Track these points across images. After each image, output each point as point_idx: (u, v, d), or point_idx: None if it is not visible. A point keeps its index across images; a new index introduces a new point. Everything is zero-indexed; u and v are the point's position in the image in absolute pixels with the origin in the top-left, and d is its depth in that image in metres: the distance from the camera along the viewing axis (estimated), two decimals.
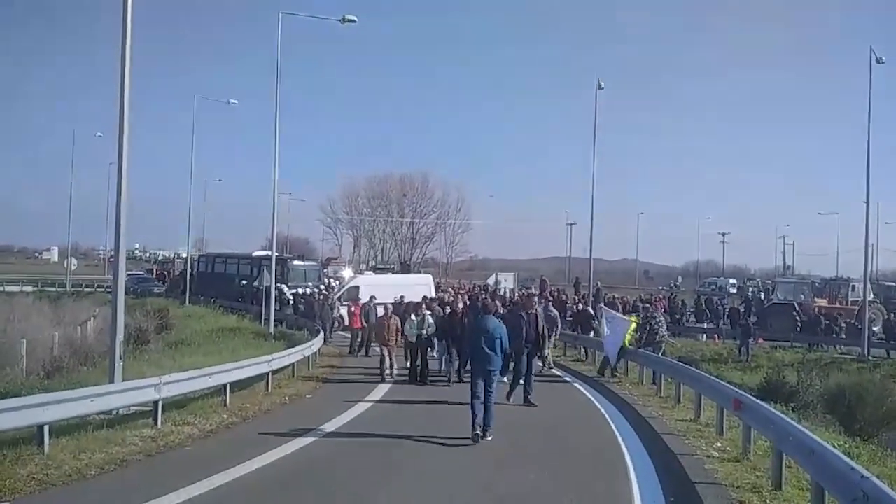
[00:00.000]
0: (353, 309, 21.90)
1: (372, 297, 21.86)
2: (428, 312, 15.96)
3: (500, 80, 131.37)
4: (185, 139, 41.49)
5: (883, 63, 27.44)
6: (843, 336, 30.71)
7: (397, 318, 16.19)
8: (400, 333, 15.90)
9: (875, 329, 31.08)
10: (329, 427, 10.28)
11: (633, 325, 16.59)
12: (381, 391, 13.99)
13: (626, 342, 16.34)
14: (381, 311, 22.88)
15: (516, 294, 31.10)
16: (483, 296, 25.75)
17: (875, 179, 29.52)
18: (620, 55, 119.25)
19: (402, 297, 19.71)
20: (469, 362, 10.23)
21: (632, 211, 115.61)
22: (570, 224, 77.43)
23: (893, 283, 46.84)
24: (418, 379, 15.18)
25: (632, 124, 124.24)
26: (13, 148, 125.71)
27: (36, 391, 11.01)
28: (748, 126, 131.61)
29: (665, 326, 18.22)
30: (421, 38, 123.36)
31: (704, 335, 33.47)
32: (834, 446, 7.96)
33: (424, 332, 15.41)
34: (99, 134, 44.68)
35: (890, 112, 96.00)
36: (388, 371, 15.48)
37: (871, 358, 26.59)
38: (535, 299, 14.87)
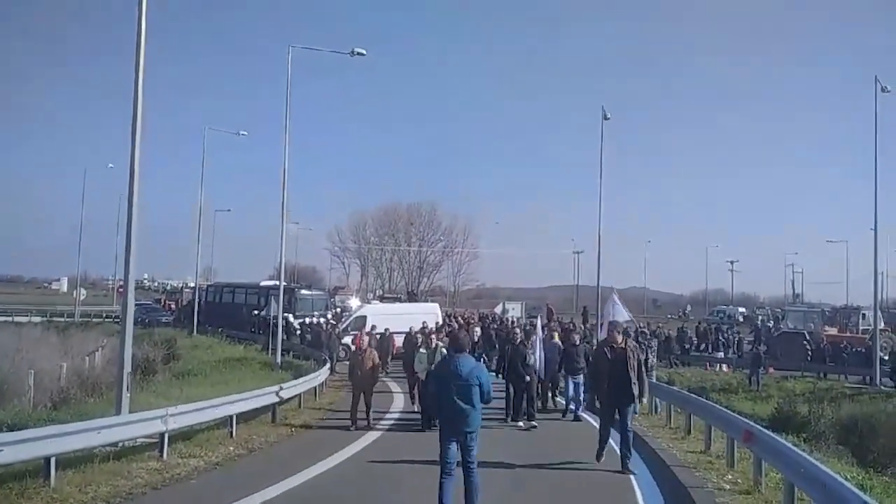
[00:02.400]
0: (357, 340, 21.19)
1: (373, 326, 21.75)
2: (442, 345, 13.66)
3: (508, 107, 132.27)
4: (196, 169, 41.88)
5: (888, 92, 27.53)
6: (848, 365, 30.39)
7: (375, 353, 14.03)
8: (378, 370, 13.96)
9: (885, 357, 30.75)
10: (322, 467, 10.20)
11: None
12: (367, 440, 12.04)
13: None
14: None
15: (522, 321, 30.98)
16: (476, 325, 24.35)
17: (883, 206, 29.35)
18: (628, 82, 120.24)
19: (424, 322, 19.49)
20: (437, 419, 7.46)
21: (640, 239, 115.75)
22: (578, 252, 77.37)
23: None
24: (430, 425, 12.32)
25: (640, 152, 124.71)
26: (24, 179, 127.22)
27: (43, 423, 11.01)
28: (757, 151, 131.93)
29: (654, 354, 18.37)
30: (427, 67, 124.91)
31: (718, 364, 33.13)
32: (846, 478, 7.87)
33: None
34: (110, 165, 45.24)
35: None
36: (362, 418, 13.10)
37: (883, 387, 26.23)
38: (618, 330, 10.50)
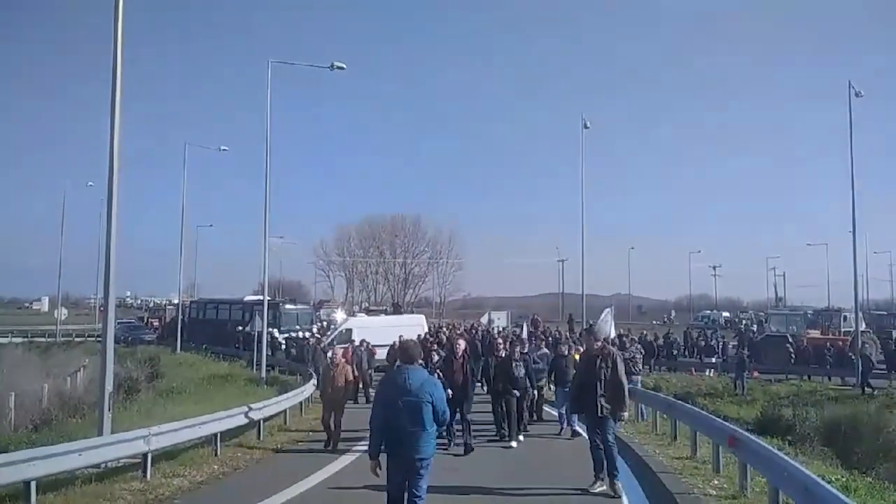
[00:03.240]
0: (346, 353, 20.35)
1: (363, 341, 21.54)
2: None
3: (492, 118, 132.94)
4: (177, 186, 41.68)
5: (862, 96, 28.00)
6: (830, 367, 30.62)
7: (349, 368, 13.10)
8: (351, 386, 13.07)
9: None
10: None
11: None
12: (346, 460, 11.20)
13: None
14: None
15: (508, 331, 30.77)
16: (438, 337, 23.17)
17: (862, 209, 29.77)
18: (612, 94, 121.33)
19: (400, 336, 19.30)
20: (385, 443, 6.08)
21: (624, 246, 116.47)
22: (562, 260, 77.78)
23: (885, 313, 47.05)
24: None
25: (623, 160, 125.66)
26: (2, 198, 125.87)
27: (23, 446, 10.87)
28: (737, 158, 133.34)
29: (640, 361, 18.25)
30: (412, 80, 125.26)
31: (709, 370, 33.11)
32: (830, 481, 7.93)
33: None
34: (90, 183, 44.89)
35: (875, 141, 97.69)
36: (333, 440, 12.26)
37: (873, 389, 26.39)
38: (596, 337, 9.87)
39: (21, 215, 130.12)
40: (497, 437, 12.83)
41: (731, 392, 27.27)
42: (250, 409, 13.34)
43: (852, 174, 28.60)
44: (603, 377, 8.79)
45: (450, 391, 11.25)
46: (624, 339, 25.29)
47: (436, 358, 13.67)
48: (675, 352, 35.98)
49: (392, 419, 5.91)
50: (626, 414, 9.40)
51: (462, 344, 12.99)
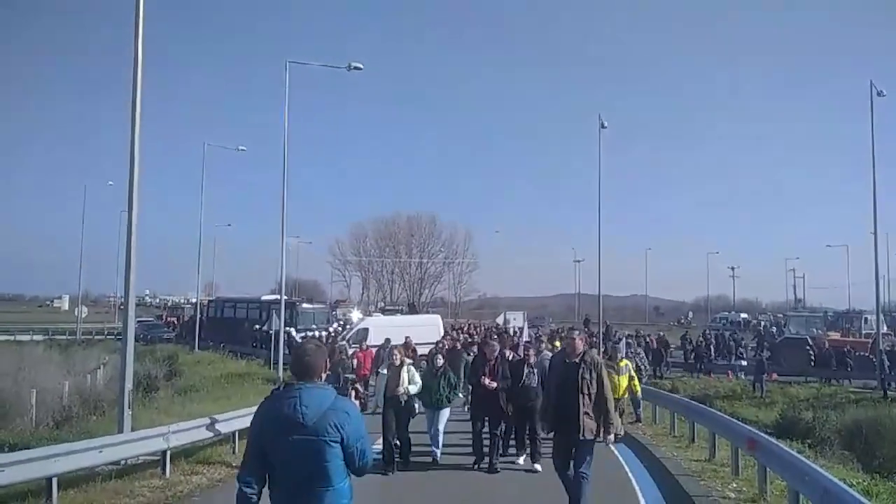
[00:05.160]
0: (359, 355, 19.46)
1: (387, 340, 21.53)
2: (409, 362, 11.20)
3: (508, 115, 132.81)
4: (196, 185, 42.00)
5: (884, 96, 27.67)
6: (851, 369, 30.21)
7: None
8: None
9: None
10: None
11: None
12: None
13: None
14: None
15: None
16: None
17: (883, 210, 29.45)
18: (628, 93, 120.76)
19: (407, 337, 19.33)
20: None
21: (641, 246, 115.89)
22: (578, 261, 77.38)
23: None
24: (393, 462, 10.23)
25: (640, 159, 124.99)
26: (25, 196, 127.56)
27: (45, 442, 11.01)
28: (757, 158, 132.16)
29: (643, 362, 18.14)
30: (428, 80, 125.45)
31: (739, 372, 32.55)
32: (852, 485, 7.85)
33: (403, 390, 10.57)
34: (110, 182, 45.31)
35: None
36: None
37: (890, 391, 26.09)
38: (581, 337, 7.88)
39: (41, 213, 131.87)
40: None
41: (750, 394, 27.04)
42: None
43: (874, 175, 28.29)
44: (587, 390, 7.09)
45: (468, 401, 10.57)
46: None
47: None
48: (706, 354, 34.66)
49: (277, 468, 3.60)
50: (612, 437, 7.46)
51: (496, 346, 11.05)
